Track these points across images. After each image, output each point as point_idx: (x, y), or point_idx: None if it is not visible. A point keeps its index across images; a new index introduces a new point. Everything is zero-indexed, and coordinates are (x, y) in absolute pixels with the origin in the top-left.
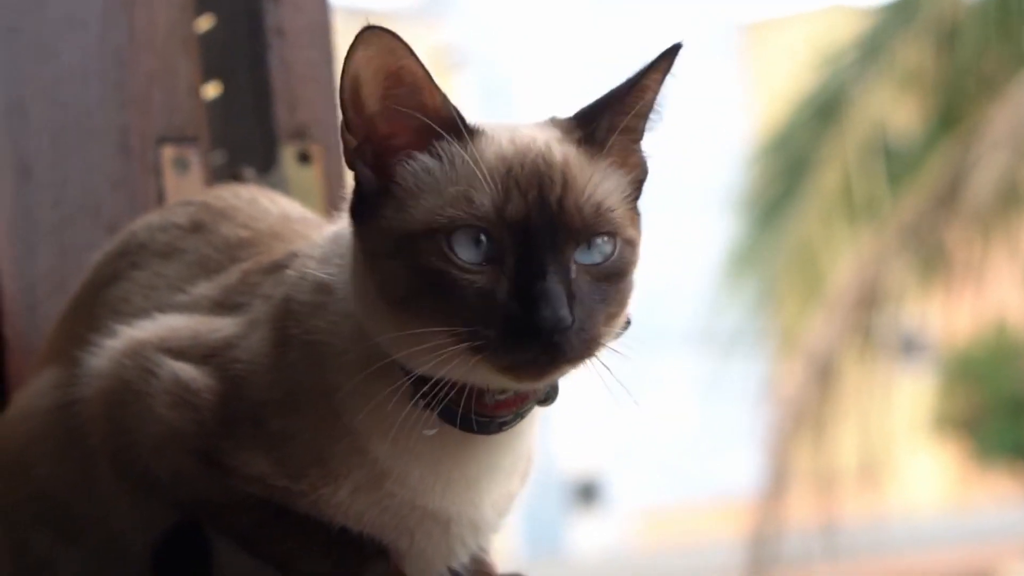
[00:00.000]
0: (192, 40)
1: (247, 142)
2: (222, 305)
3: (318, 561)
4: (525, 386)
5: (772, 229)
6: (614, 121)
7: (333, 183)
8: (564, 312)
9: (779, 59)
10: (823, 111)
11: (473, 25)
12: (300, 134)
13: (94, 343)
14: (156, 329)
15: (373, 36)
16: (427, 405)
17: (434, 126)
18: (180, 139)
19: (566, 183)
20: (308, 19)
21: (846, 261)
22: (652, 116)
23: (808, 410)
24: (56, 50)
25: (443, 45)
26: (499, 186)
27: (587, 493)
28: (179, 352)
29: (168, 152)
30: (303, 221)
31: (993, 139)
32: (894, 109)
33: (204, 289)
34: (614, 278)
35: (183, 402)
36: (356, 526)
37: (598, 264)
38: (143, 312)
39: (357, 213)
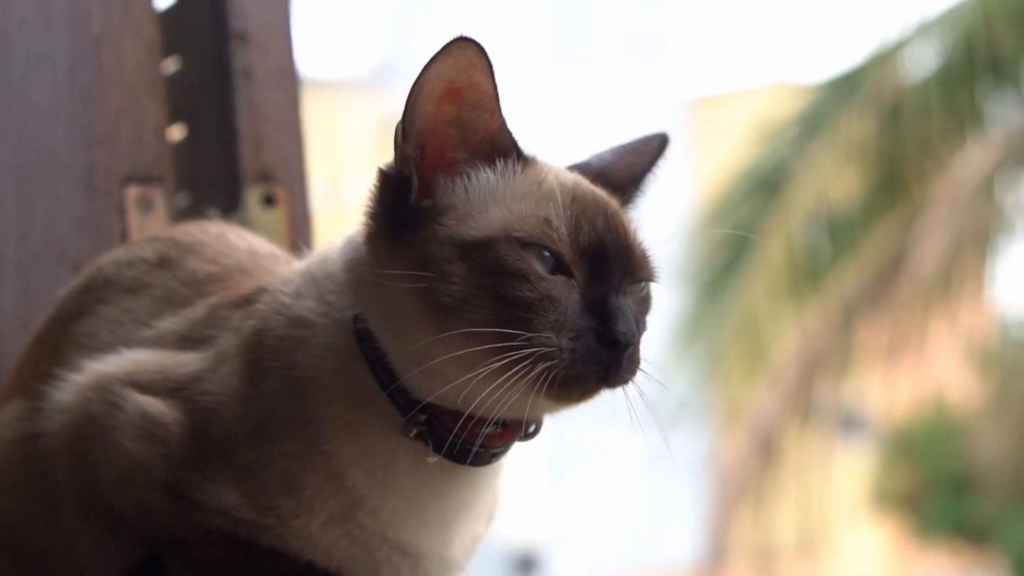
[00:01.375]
0: (159, 81)
1: (212, 183)
2: (188, 339)
3: None
4: (564, 406)
5: (717, 301)
6: (640, 183)
7: (297, 225)
8: (634, 329)
9: (724, 134)
10: (766, 184)
11: None
12: (265, 176)
13: (59, 377)
14: (122, 363)
15: (460, 48)
16: (420, 435)
17: (495, 146)
18: (146, 179)
19: (623, 220)
20: (275, 62)
21: (789, 334)
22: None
23: (749, 483)
24: (23, 87)
25: (394, 114)
26: (570, 211)
27: (527, 564)
28: (145, 386)
29: (133, 192)
30: (271, 257)
31: (935, 215)
32: (836, 183)
33: (170, 324)
34: (645, 314)
35: (150, 435)
36: (324, 560)
37: (640, 298)
38: (109, 347)
39: (394, 224)
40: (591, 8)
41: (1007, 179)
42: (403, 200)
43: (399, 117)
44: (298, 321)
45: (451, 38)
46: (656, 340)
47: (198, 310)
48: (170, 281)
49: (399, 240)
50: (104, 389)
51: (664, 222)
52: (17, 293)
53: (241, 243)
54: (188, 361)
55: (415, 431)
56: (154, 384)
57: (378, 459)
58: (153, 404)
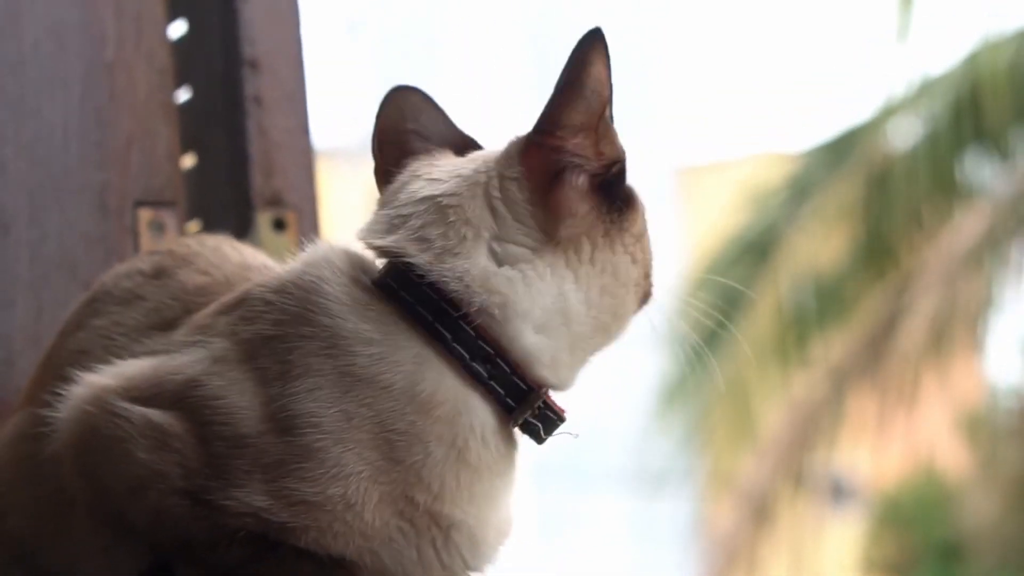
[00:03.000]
0: (171, 107)
1: (223, 208)
2: (177, 348)
3: None
4: None
5: (703, 366)
6: None
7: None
8: None
9: (711, 202)
10: (754, 249)
11: None
12: (275, 201)
13: (58, 392)
14: (117, 375)
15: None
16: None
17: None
18: (157, 202)
19: None
20: (285, 88)
21: (777, 400)
22: None
23: (742, 550)
24: (37, 109)
25: None
26: None
27: None
28: (145, 399)
29: (145, 214)
30: (260, 270)
31: (925, 282)
32: (825, 249)
33: (158, 338)
34: None
35: (162, 445)
36: (361, 547)
37: None
38: (102, 361)
39: (618, 206)
40: None
41: (996, 248)
42: (615, 187)
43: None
44: (346, 311)
45: (595, 32)
46: (641, 404)
47: (183, 326)
48: (161, 294)
49: (615, 228)
50: (102, 402)
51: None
52: (30, 311)
53: (235, 255)
54: (181, 368)
55: (527, 415)
56: (153, 396)
57: (450, 436)
58: (156, 415)
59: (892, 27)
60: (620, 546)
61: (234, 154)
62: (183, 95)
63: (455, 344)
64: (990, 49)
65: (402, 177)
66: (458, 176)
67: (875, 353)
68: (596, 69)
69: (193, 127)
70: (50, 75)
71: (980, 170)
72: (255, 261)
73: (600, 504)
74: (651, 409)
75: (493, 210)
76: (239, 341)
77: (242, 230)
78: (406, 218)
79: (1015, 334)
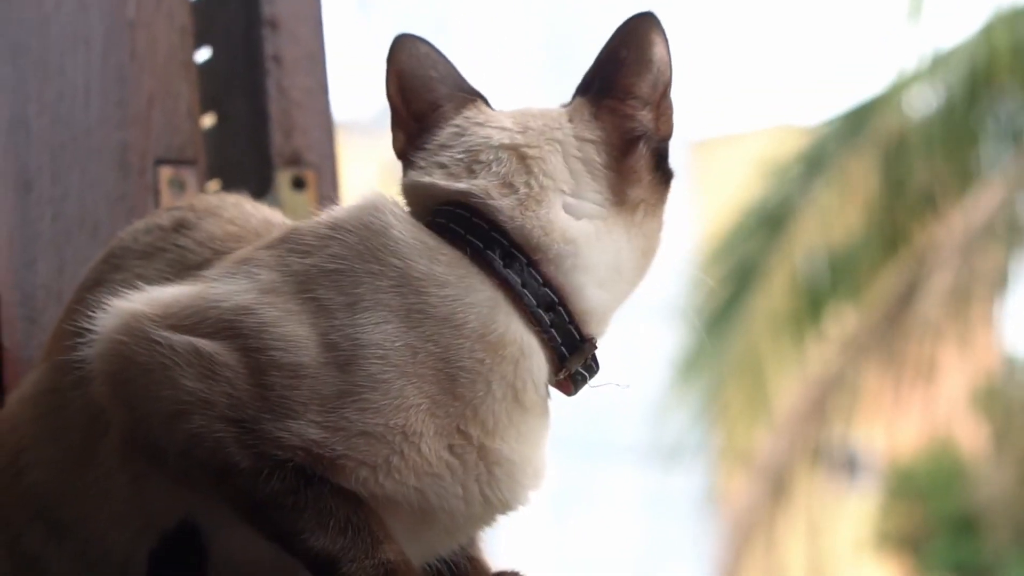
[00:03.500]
0: (191, 66)
1: (243, 167)
2: (215, 281)
3: (333, 538)
4: None
5: (719, 338)
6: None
7: (326, 207)
8: None
9: (726, 175)
10: (770, 222)
11: None
12: (295, 160)
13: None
14: (150, 301)
15: None
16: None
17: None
18: (178, 161)
19: None
20: (304, 48)
21: (792, 373)
22: None
23: (759, 524)
24: (60, 68)
25: (393, 157)
26: None
27: None
28: (186, 327)
29: (166, 172)
30: (283, 226)
31: (940, 256)
32: (840, 222)
33: (188, 278)
34: None
35: (211, 374)
36: (407, 485)
37: None
38: None
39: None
40: (590, 50)
41: (1011, 221)
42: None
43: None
44: (415, 253)
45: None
46: (657, 377)
47: (218, 265)
48: (184, 241)
49: (661, 198)
50: (138, 331)
51: (666, 260)
52: (52, 268)
53: (257, 213)
54: (225, 295)
55: (578, 365)
56: (195, 324)
57: (511, 376)
58: (204, 343)
59: (904, 6)
60: (635, 519)
61: (254, 113)
62: (203, 55)
63: (524, 290)
64: (1004, 21)
65: (458, 122)
66: (531, 129)
67: (890, 327)
68: (660, 50)
69: (213, 87)
70: (72, 34)
71: (995, 144)
72: (276, 219)
73: (615, 477)
74: (666, 382)
75: (571, 167)
76: (291, 272)
77: (262, 189)
78: (486, 164)
79: None
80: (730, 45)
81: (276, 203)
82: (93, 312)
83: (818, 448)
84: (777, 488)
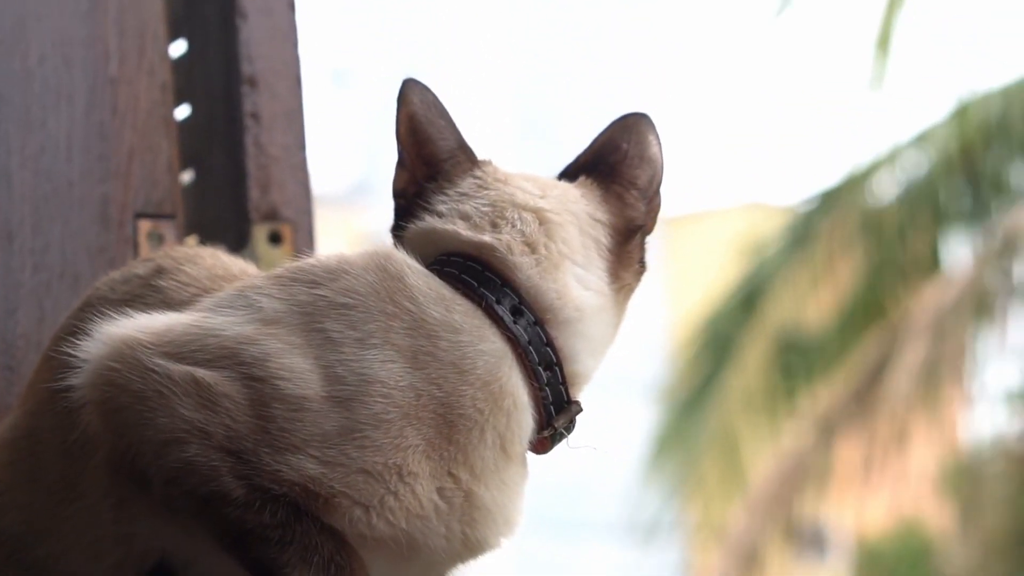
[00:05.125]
0: (171, 122)
1: (221, 221)
2: (212, 311)
3: (314, 574)
4: None
5: (693, 416)
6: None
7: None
8: None
9: (697, 251)
10: (744, 300)
11: None
12: (272, 215)
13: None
14: (143, 328)
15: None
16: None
17: None
18: (157, 215)
19: None
20: (282, 105)
21: (768, 451)
22: None
23: None
24: (43, 122)
25: (368, 230)
26: None
27: None
28: (183, 356)
29: (145, 226)
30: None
31: (911, 335)
32: (813, 301)
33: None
34: None
35: (208, 404)
36: (395, 525)
37: None
38: None
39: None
40: (564, 126)
41: (981, 301)
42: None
43: (375, 234)
44: (428, 299)
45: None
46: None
47: (214, 295)
48: (165, 284)
49: (637, 284)
50: (131, 358)
51: (639, 338)
52: (32, 318)
53: (234, 264)
54: (224, 324)
55: (561, 425)
56: (192, 353)
57: (503, 426)
58: (203, 373)
59: (868, 75)
60: None
61: (232, 169)
62: (183, 111)
63: (529, 346)
64: (977, 104)
65: (478, 175)
66: (551, 196)
67: (860, 405)
68: (657, 150)
69: (192, 143)
70: (55, 89)
71: (966, 222)
72: (251, 271)
73: (591, 554)
74: (642, 459)
75: (583, 241)
76: (297, 303)
77: (239, 243)
78: (509, 221)
79: (999, 385)
80: (697, 124)
81: (253, 257)
82: (78, 343)
83: (789, 525)
84: (748, 564)
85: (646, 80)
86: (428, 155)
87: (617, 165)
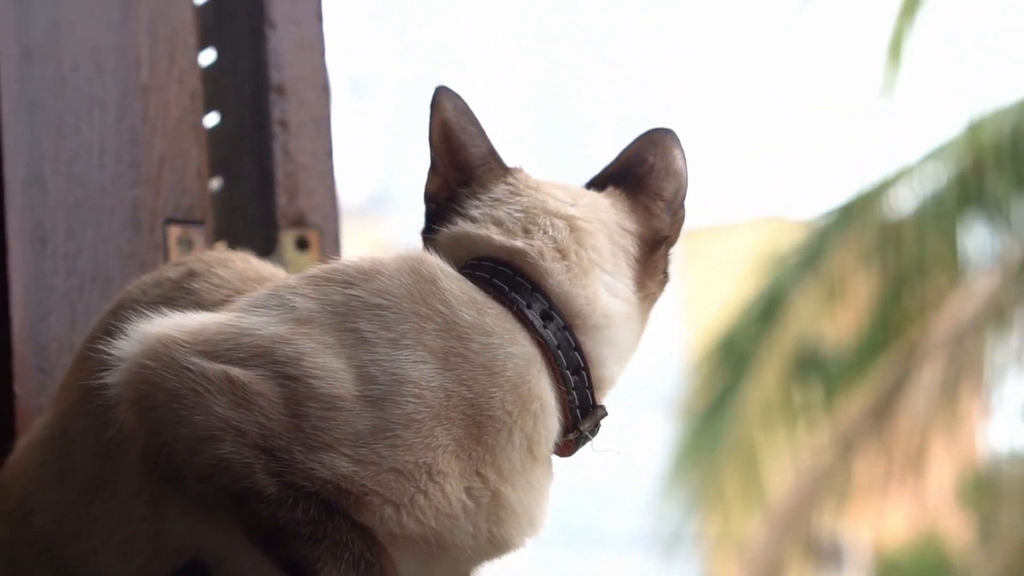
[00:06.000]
0: (201, 129)
1: (249, 228)
2: (245, 311)
3: (344, 571)
4: None
5: (712, 430)
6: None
7: None
8: None
9: (716, 265)
10: (763, 313)
11: (416, 220)
12: (299, 221)
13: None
14: (178, 327)
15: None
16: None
17: None
18: (187, 220)
19: None
20: (310, 113)
21: (785, 464)
22: None
23: None
24: (75, 128)
25: (386, 240)
26: None
27: None
28: (217, 354)
29: (175, 231)
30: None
31: (931, 349)
32: (832, 315)
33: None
34: None
35: (243, 403)
36: (424, 524)
37: None
38: None
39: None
40: (584, 134)
41: (1000, 315)
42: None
43: (393, 245)
44: (462, 302)
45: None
46: (653, 467)
47: (247, 296)
48: (198, 286)
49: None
50: (165, 357)
51: (657, 350)
52: (64, 321)
53: (263, 267)
54: (259, 324)
55: (586, 428)
56: (227, 352)
57: (531, 428)
58: (238, 372)
59: (879, 85)
60: None
61: (260, 176)
62: (212, 119)
63: (558, 351)
64: (992, 119)
65: (511, 181)
66: (582, 205)
67: (880, 418)
68: (682, 164)
69: (221, 150)
70: (88, 96)
71: (984, 238)
72: (280, 275)
73: (612, 565)
74: (662, 471)
75: (612, 250)
76: (331, 303)
77: (266, 249)
78: (541, 227)
79: (1018, 400)
80: (719, 135)
81: (280, 263)
82: (113, 341)
83: (808, 538)
84: None
85: (665, 88)
86: (461, 161)
87: (644, 177)
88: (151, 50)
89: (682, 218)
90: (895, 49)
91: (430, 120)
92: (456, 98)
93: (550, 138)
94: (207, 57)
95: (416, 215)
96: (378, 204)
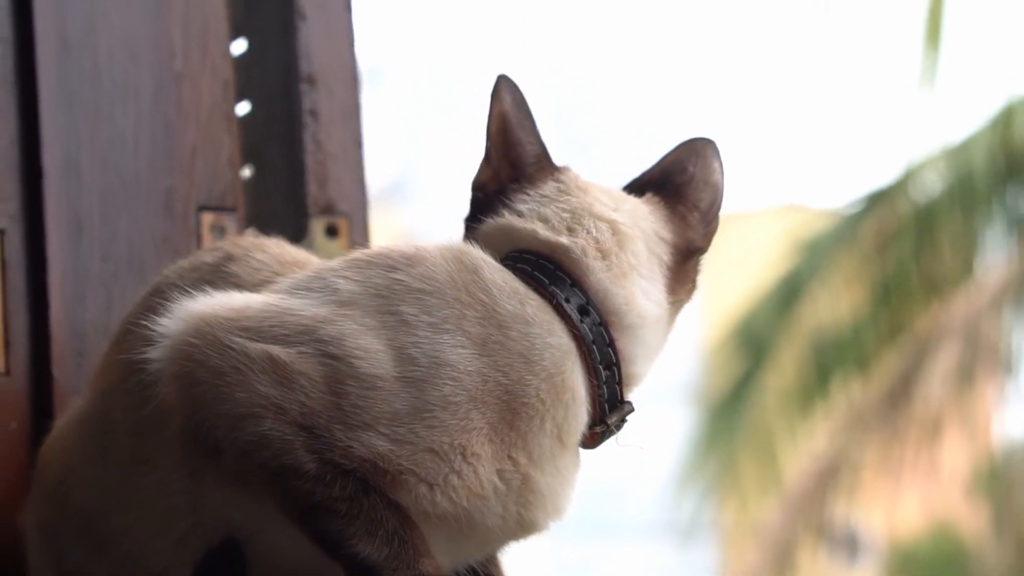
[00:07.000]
0: (233, 118)
1: (279, 215)
2: (288, 292)
3: (379, 547)
4: None
5: (731, 414)
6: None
7: None
8: None
9: (736, 253)
10: (781, 301)
11: (432, 209)
12: (328, 209)
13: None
14: (221, 306)
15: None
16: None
17: None
18: (219, 207)
19: None
20: (340, 103)
21: (802, 452)
22: None
23: None
24: (111, 117)
25: (403, 230)
26: None
27: None
28: (260, 333)
29: (207, 218)
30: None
31: (945, 336)
32: (849, 302)
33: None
34: None
35: (285, 381)
36: (456, 502)
37: None
38: None
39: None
40: (594, 123)
41: (1016, 302)
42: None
43: (412, 232)
44: (506, 292)
45: (712, 143)
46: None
47: (289, 277)
48: (236, 269)
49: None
50: (208, 335)
51: (676, 338)
52: (100, 305)
53: (298, 253)
54: (301, 305)
55: (613, 422)
56: (269, 331)
57: (562, 417)
58: (279, 351)
59: (917, 75)
60: None
61: (290, 164)
62: (244, 108)
63: (593, 345)
64: (1018, 108)
65: (561, 180)
66: (624, 210)
67: (894, 406)
68: (719, 176)
69: (252, 138)
70: (123, 85)
71: (1001, 227)
72: (313, 259)
73: (628, 552)
74: (679, 460)
75: (648, 256)
76: (373, 286)
77: (296, 236)
78: (585, 227)
79: None
80: (737, 124)
81: (310, 249)
82: (156, 318)
83: (822, 526)
84: (782, 565)
85: (689, 75)
86: (515, 157)
87: (683, 187)
88: (184, 40)
89: (715, 229)
90: (933, 36)
91: (490, 109)
92: (515, 89)
93: (564, 128)
94: (239, 47)
95: (430, 205)
96: (394, 193)
